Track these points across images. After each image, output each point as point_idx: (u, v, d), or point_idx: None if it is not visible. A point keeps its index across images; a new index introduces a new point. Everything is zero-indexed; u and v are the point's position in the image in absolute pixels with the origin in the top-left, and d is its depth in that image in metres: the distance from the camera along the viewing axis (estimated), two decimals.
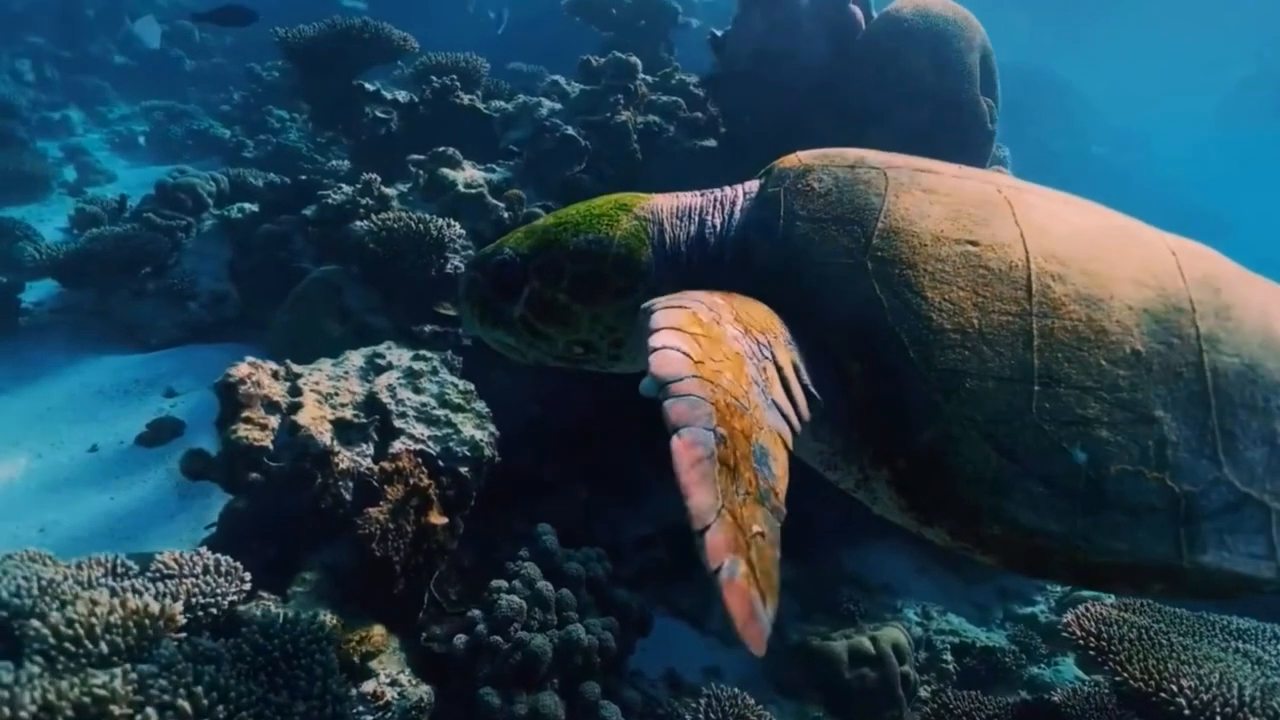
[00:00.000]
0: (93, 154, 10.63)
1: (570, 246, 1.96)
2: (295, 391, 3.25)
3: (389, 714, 2.69)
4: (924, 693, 3.97)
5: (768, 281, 1.77)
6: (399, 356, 3.58)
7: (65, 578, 2.35)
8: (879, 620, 4.41)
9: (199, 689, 1.81)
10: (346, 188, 4.79)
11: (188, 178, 6.36)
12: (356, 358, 3.54)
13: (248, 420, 2.98)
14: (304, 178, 6.35)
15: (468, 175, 4.82)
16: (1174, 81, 32.78)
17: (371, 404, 3.33)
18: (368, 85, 5.76)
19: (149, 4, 13.85)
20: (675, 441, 1.32)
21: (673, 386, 1.38)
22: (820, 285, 1.72)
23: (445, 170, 4.76)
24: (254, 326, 5.68)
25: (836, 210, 1.78)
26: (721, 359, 1.46)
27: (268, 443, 2.99)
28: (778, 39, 4.53)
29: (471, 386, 3.54)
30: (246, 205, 6.19)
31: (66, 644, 1.80)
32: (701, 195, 2.06)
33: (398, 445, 3.23)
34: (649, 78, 5.61)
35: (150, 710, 1.77)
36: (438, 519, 3.16)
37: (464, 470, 3.31)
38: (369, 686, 2.76)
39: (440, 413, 3.40)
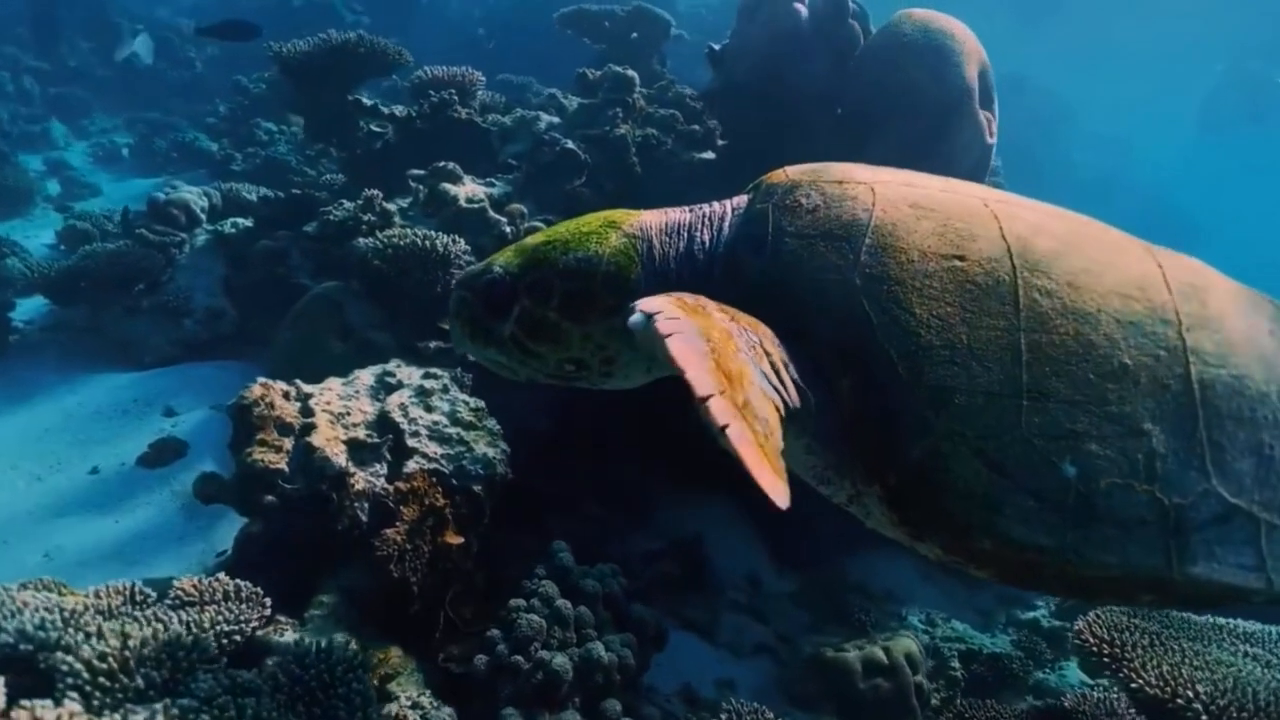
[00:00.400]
0: (76, 167, 10.50)
1: (560, 265, 1.96)
2: (307, 412, 3.23)
3: None
4: (934, 700, 4.00)
5: (757, 298, 1.78)
6: (409, 374, 3.56)
7: (86, 608, 2.32)
8: (885, 628, 4.44)
9: None
10: (348, 204, 4.77)
11: (180, 193, 6.29)
12: (367, 376, 3.52)
13: (262, 443, 2.95)
14: (297, 192, 6.31)
15: (469, 190, 4.81)
16: (1153, 86, 33.29)
17: (384, 423, 3.31)
18: (365, 100, 5.74)
19: (127, 13, 13.72)
20: (670, 340, 1.39)
21: (660, 314, 1.45)
22: (809, 302, 1.73)
23: (446, 185, 4.75)
24: (251, 343, 5.63)
25: (824, 227, 1.79)
26: (710, 327, 1.49)
27: (283, 465, 2.97)
28: (777, 52, 4.56)
29: (483, 404, 3.54)
30: (240, 220, 6.14)
31: (101, 679, 1.77)
32: (690, 211, 2.06)
33: (411, 465, 3.22)
34: (646, 90, 5.64)
35: None
36: (454, 539, 3.15)
37: (477, 489, 3.31)
38: (391, 710, 2.73)
39: (452, 431, 3.39)
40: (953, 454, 1.58)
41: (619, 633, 3.17)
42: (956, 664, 4.32)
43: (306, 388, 3.36)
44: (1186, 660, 2.95)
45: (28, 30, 12.75)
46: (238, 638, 2.37)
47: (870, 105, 4.36)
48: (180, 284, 5.75)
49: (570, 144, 5.07)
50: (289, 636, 2.72)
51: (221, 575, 2.64)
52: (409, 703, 2.82)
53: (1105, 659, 3.05)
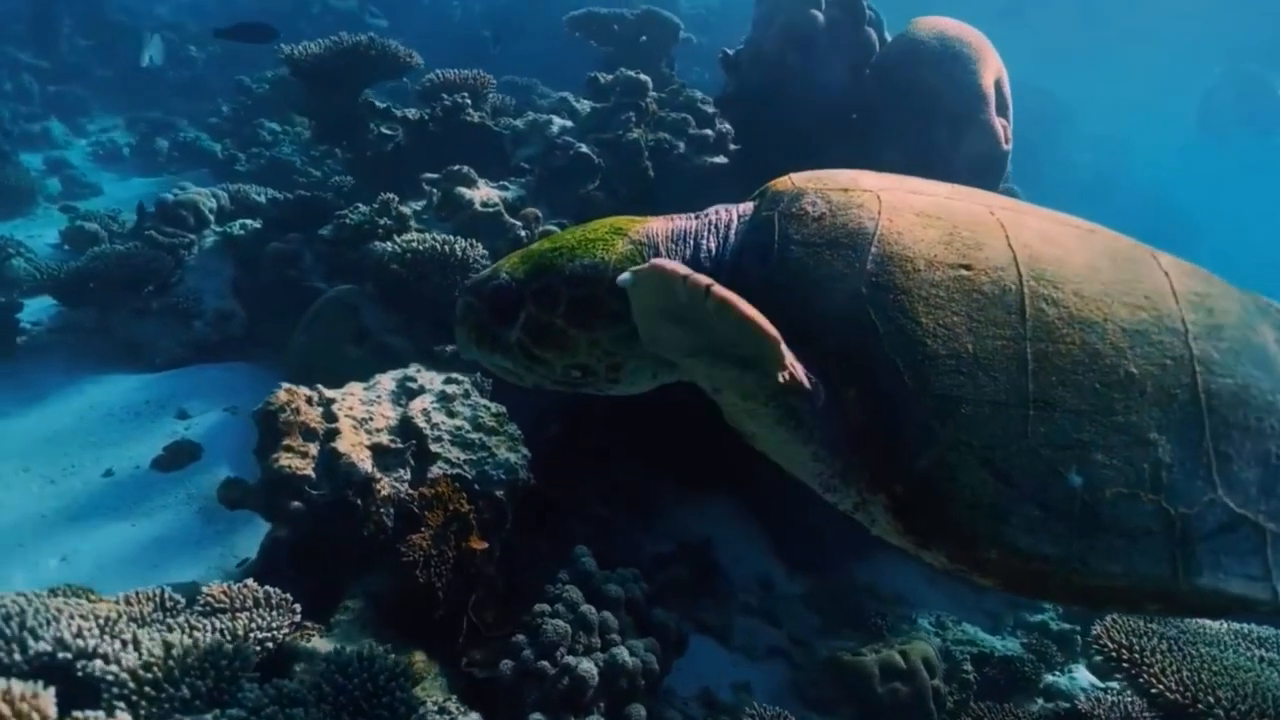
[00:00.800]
0: (77, 166, 10.44)
1: (566, 271, 1.96)
2: (330, 417, 3.23)
3: None
4: (949, 704, 4.02)
5: (763, 306, 1.77)
6: (430, 380, 3.57)
7: (119, 615, 2.32)
8: (898, 632, 4.46)
9: None
10: (364, 207, 4.76)
11: (189, 194, 6.27)
12: (388, 381, 3.52)
13: (289, 449, 2.96)
14: (305, 193, 6.29)
15: (483, 194, 4.81)
16: (1152, 87, 33.35)
17: (406, 428, 3.32)
18: (377, 102, 5.74)
19: (126, 11, 13.66)
20: (654, 261, 1.66)
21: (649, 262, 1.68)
22: (815, 311, 1.74)
23: (461, 189, 4.75)
24: (260, 345, 5.62)
25: (830, 235, 1.79)
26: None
27: (309, 471, 2.97)
28: (793, 58, 4.58)
29: (504, 409, 3.54)
30: (249, 222, 6.12)
31: (148, 688, 1.78)
32: (696, 218, 2.07)
33: (435, 470, 3.22)
34: (657, 94, 5.64)
35: None
36: (478, 544, 3.16)
37: (499, 494, 3.31)
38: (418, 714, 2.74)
39: (474, 436, 3.40)
40: (959, 464, 1.59)
41: (641, 637, 3.18)
42: (969, 667, 4.34)
43: (328, 393, 3.36)
44: (1206, 666, 2.98)
45: (26, 28, 12.68)
46: (270, 645, 2.37)
47: (886, 112, 4.38)
48: (189, 286, 5.73)
49: (584, 148, 5.07)
50: (316, 642, 2.72)
51: (250, 581, 2.64)
52: (435, 707, 2.82)
53: (1125, 664, 3.07)
